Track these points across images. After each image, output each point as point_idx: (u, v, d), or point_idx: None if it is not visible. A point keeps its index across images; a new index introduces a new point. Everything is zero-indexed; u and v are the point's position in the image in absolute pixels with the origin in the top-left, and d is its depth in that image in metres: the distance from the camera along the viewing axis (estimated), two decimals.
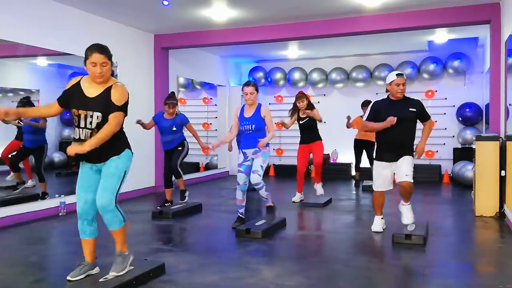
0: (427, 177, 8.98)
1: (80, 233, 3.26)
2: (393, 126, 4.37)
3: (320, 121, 6.51)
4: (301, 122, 6.62)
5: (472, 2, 6.06)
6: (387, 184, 4.62)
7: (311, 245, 4.61)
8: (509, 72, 5.55)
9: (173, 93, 6.15)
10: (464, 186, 7.92)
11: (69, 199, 5.93)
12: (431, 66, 9.18)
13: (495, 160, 5.46)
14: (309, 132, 6.59)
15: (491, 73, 6.19)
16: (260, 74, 10.62)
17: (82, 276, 3.23)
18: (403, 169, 4.44)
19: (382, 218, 4.80)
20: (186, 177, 8.91)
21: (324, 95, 10.29)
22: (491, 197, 5.50)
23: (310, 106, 6.54)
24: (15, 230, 5.07)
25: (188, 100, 10.79)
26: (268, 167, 10.44)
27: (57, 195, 5.93)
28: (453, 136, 9.28)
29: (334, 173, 9.38)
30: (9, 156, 6.11)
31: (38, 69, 6.60)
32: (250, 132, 4.94)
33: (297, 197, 6.81)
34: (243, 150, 5.03)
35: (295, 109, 6.61)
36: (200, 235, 4.99)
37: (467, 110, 8.94)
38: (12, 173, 6.13)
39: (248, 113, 4.98)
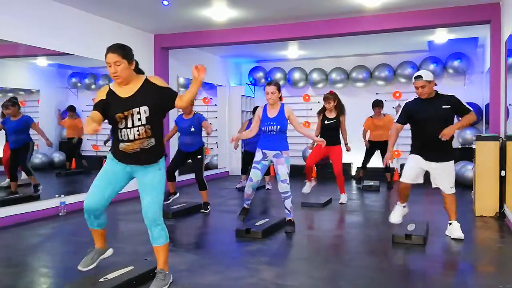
0: (427, 177, 8.95)
1: (88, 224, 3.19)
2: (427, 125, 4.32)
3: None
4: (326, 122, 6.51)
5: (472, 2, 6.06)
6: (416, 177, 4.51)
7: (311, 245, 4.61)
8: (509, 72, 5.55)
9: None
10: (464, 186, 7.90)
11: (69, 199, 5.93)
12: (431, 66, 9.17)
13: (495, 160, 5.46)
14: (332, 134, 6.44)
15: (491, 73, 6.19)
16: (260, 74, 10.62)
17: (94, 265, 3.24)
18: (446, 180, 4.41)
19: (404, 207, 4.65)
20: (186, 177, 8.97)
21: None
22: (491, 197, 5.49)
23: (340, 109, 6.48)
24: (15, 230, 5.07)
25: None
26: (269, 167, 10.42)
27: (57, 195, 5.92)
28: (453, 136, 9.25)
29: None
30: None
31: (38, 69, 6.59)
32: (274, 133, 4.81)
33: (308, 187, 6.73)
34: (263, 150, 4.91)
35: (322, 109, 6.58)
36: (200, 235, 4.99)
37: None
38: (8, 180, 6.11)
39: (272, 113, 4.83)
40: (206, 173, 9.84)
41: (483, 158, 5.55)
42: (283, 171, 4.80)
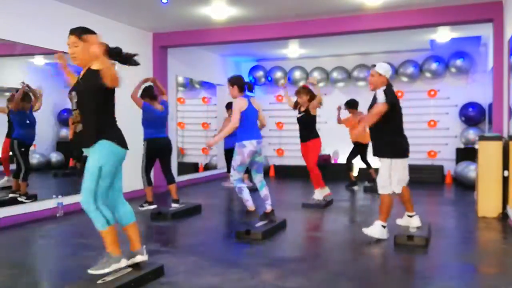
0: (429, 178, 8.92)
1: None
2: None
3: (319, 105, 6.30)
4: (298, 115, 6.38)
5: (475, 0, 6.00)
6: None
7: (312, 246, 4.56)
8: None
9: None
10: (466, 186, 7.86)
11: (66, 200, 5.87)
12: (434, 65, 9.11)
13: (498, 160, 5.40)
14: (307, 128, 6.31)
15: (494, 72, 6.14)
16: (260, 73, 10.57)
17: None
18: (378, 178, 4.39)
19: (410, 216, 4.60)
20: (185, 177, 8.93)
21: (325, 94, 10.20)
22: (494, 198, 5.44)
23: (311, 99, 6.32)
24: (12, 231, 5.02)
25: (187, 99, 10.73)
26: (268, 167, 10.36)
27: (54, 196, 5.86)
28: (456, 136, 9.21)
29: (334, 173, 9.30)
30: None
31: (35, 68, 6.53)
32: None
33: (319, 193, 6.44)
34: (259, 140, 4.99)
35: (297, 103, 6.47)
36: (200, 236, 4.92)
37: (470, 109, 8.88)
38: (6, 177, 6.02)
39: None
40: (205, 173, 9.89)
41: (486, 158, 5.50)
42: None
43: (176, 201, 5.89)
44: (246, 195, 4.81)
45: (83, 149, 3.13)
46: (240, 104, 4.72)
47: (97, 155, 3.02)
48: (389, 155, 4.27)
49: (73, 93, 3.08)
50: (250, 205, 4.86)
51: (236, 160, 4.73)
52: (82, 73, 3.13)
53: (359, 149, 7.88)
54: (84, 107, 3.05)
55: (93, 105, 3.04)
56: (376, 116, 4.18)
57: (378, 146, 4.36)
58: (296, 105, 6.49)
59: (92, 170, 3.01)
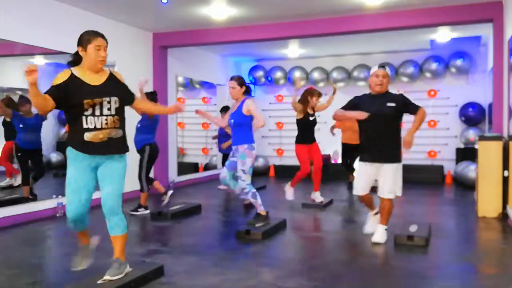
0: (429, 178, 8.92)
1: (73, 229, 3.22)
2: (371, 122, 4.16)
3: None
4: (311, 118, 6.26)
5: (475, 0, 6.00)
6: (367, 187, 4.34)
7: (312, 246, 4.55)
8: None
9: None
10: (467, 186, 7.85)
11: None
12: (434, 65, 9.11)
13: (498, 160, 5.40)
14: (313, 131, 6.37)
15: (494, 72, 6.14)
16: (260, 73, 10.56)
17: (90, 260, 3.33)
18: (385, 183, 4.19)
19: (376, 213, 4.52)
20: (185, 177, 8.92)
21: (325, 94, 10.18)
22: (494, 198, 5.44)
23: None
24: (12, 231, 5.02)
25: (187, 99, 10.71)
26: (267, 167, 10.36)
27: (54, 196, 5.86)
28: (456, 136, 9.21)
29: (334, 173, 9.29)
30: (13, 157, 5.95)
31: None
32: (233, 128, 4.84)
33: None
34: (233, 146, 4.92)
35: (305, 103, 6.21)
36: (199, 236, 4.92)
37: (470, 109, 8.87)
38: (8, 179, 6.03)
39: (233, 109, 4.92)
40: (205, 173, 9.88)
41: (486, 159, 5.49)
42: (237, 167, 4.77)
43: (165, 192, 6.01)
44: (259, 200, 4.85)
45: (107, 155, 3.04)
46: (255, 104, 4.83)
47: (125, 160, 3.16)
48: (398, 160, 4.22)
49: (115, 98, 3.01)
50: (263, 209, 4.88)
51: (247, 163, 4.71)
52: (102, 78, 3.04)
53: (349, 150, 7.88)
54: (122, 114, 3.10)
55: (124, 112, 3.15)
56: (423, 120, 4.14)
57: (386, 152, 4.19)
58: (305, 109, 6.20)
59: (123, 176, 3.12)
